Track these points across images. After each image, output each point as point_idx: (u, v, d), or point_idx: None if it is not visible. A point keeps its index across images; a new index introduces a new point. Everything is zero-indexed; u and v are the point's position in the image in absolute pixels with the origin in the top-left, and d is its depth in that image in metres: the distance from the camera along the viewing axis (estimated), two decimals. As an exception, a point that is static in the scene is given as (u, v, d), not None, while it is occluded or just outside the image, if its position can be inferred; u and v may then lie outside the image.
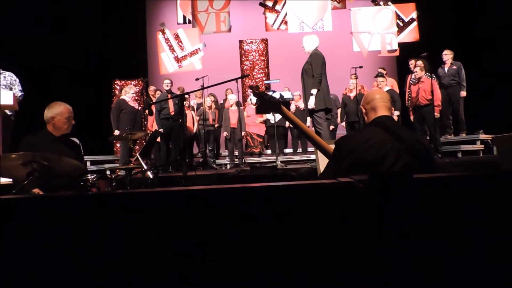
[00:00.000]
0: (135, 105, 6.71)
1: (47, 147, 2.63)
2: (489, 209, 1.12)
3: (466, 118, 6.77)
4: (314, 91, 4.93)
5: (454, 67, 6.67)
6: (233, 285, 1.14)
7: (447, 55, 6.74)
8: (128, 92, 6.70)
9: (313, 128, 7.07)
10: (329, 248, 1.13)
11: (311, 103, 4.95)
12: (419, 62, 6.34)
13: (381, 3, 8.34)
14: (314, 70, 4.95)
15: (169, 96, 6.71)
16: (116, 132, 6.40)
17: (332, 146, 1.92)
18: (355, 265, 1.12)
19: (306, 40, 5.22)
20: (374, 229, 1.12)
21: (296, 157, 7.84)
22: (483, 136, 6.54)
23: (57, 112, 2.77)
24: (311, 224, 1.14)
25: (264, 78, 9.00)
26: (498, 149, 4.99)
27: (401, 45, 8.18)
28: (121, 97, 6.81)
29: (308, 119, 7.96)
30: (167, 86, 6.84)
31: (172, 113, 6.72)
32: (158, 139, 6.89)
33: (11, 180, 2.58)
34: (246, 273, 1.15)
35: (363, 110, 1.96)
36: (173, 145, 6.85)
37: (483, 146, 6.55)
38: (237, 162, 7.46)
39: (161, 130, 6.73)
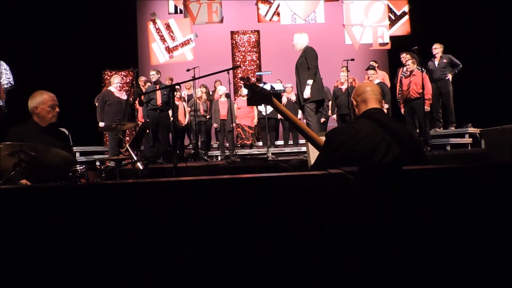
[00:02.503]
0: (122, 95, 6.63)
1: (34, 137, 2.59)
2: (476, 201, 1.14)
3: (455, 111, 6.86)
4: (310, 82, 5.00)
5: (444, 60, 6.73)
6: (223, 277, 1.14)
7: (437, 49, 6.79)
8: (113, 83, 6.63)
9: (304, 120, 7.11)
10: (318, 239, 1.14)
11: (307, 93, 5.00)
12: (410, 56, 6.38)
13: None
14: (309, 62, 5.02)
15: (157, 86, 6.67)
16: (101, 124, 6.35)
17: (323, 138, 1.93)
18: (345, 257, 1.13)
19: (298, 38, 5.29)
20: (364, 220, 1.13)
21: (287, 149, 7.87)
22: (471, 129, 6.64)
23: (40, 101, 2.72)
24: (301, 216, 1.15)
25: (255, 70, 8.96)
26: (486, 142, 5.07)
27: (392, 38, 8.20)
28: (107, 88, 6.75)
29: (300, 111, 7.99)
30: (154, 77, 6.79)
31: (159, 104, 6.67)
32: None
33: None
34: (236, 264, 1.15)
35: (354, 102, 1.97)
36: (162, 136, 6.81)
37: (471, 139, 6.64)
38: (228, 153, 7.45)
39: (148, 120, 6.70)
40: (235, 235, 1.16)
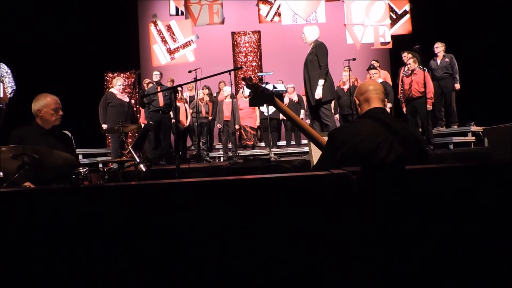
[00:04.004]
0: (124, 97, 6.64)
1: (37, 140, 2.60)
2: (480, 200, 1.13)
3: (458, 110, 6.84)
4: (321, 82, 4.86)
5: (447, 59, 6.72)
6: (225, 278, 1.14)
7: (439, 48, 6.77)
8: (116, 85, 6.64)
9: (307, 121, 7.06)
10: (321, 239, 1.14)
11: (319, 93, 4.86)
12: (412, 55, 6.37)
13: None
14: (321, 60, 4.88)
15: (159, 88, 6.66)
16: (104, 126, 6.36)
17: (326, 138, 1.92)
18: (347, 257, 1.13)
19: (308, 31, 5.12)
20: (366, 220, 1.12)
21: (290, 150, 7.86)
22: (474, 128, 6.62)
23: (43, 104, 2.73)
24: (304, 216, 1.15)
25: (257, 71, 8.97)
26: (489, 140, 5.05)
27: (394, 37, 8.19)
28: (110, 90, 6.76)
29: (302, 111, 7.98)
30: (156, 77, 6.79)
31: (162, 106, 6.67)
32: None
33: (1, 173, 2.55)
34: (239, 265, 1.15)
35: (357, 102, 1.96)
36: (163, 138, 6.82)
37: (474, 137, 6.62)
38: (231, 154, 7.45)
39: (151, 122, 6.70)
40: (238, 236, 1.16)
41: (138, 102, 6.90)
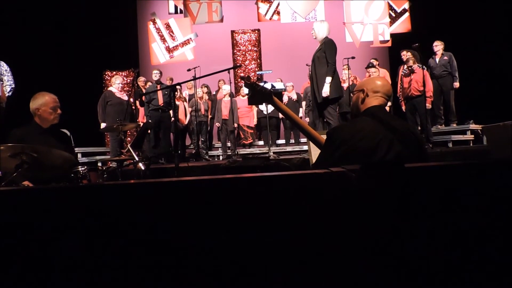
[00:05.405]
0: (123, 96, 6.62)
1: (36, 139, 2.60)
2: (479, 198, 1.13)
3: (457, 108, 6.84)
4: (328, 79, 4.77)
5: (445, 57, 6.73)
6: (225, 277, 1.14)
7: (438, 46, 6.78)
8: (114, 83, 6.62)
9: (306, 119, 7.05)
10: (320, 238, 1.14)
11: (326, 91, 4.78)
12: (411, 53, 6.37)
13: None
14: (329, 57, 4.81)
15: (158, 86, 6.65)
16: (103, 125, 6.34)
17: (325, 137, 1.92)
18: (347, 255, 1.13)
19: (318, 27, 5.03)
20: (366, 218, 1.12)
21: (289, 148, 7.87)
22: (473, 126, 6.62)
23: (41, 103, 2.72)
24: (303, 214, 1.14)
25: (256, 69, 8.96)
26: (488, 138, 5.05)
27: (393, 35, 8.19)
28: (108, 89, 6.75)
29: (301, 109, 7.98)
30: (156, 76, 6.77)
31: (161, 104, 6.66)
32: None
33: (-1, 172, 2.54)
34: (239, 264, 1.15)
35: (363, 94, 1.90)
36: (163, 137, 6.81)
37: (473, 136, 6.63)
38: (230, 153, 7.45)
39: (150, 121, 6.69)
40: (238, 235, 1.15)
41: (138, 100, 6.85)
